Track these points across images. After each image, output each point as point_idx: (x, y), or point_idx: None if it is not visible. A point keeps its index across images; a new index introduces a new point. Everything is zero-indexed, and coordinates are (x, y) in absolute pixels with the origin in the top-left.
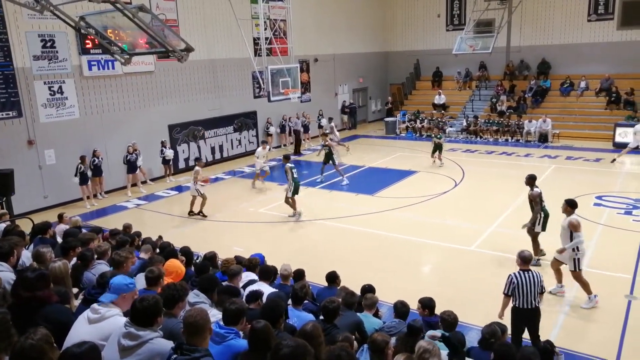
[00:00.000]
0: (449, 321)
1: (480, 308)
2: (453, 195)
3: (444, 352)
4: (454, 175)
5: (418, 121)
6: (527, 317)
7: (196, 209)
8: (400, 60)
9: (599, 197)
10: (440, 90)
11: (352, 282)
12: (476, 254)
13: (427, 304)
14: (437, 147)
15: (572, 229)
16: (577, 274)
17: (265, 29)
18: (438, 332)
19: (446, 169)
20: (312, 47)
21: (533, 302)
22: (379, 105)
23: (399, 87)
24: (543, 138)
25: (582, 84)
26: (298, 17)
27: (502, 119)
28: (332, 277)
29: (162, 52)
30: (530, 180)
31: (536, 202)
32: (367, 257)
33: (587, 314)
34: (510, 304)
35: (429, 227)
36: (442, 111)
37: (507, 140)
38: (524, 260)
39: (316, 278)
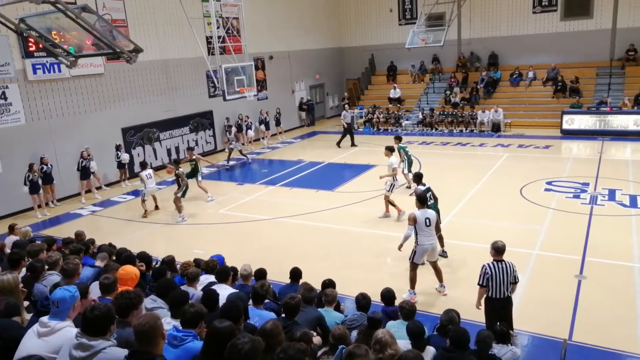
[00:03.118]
0: (408, 309)
1: (440, 297)
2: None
3: (406, 341)
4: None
5: (375, 116)
6: (500, 306)
7: (151, 207)
8: (355, 56)
9: (549, 183)
10: (395, 85)
11: (315, 279)
12: None
13: (386, 295)
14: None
15: (408, 222)
16: (411, 265)
17: (218, 28)
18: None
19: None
20: (266, 44)
21: (506, 292)
22: (336, 101)
23: (355, 82)
24: (496, 128)
25: (530, 74)
26: (251, 14)
27: (456, 111)
28: (296, 274)
29: (109, 54)
30: (416, 178)
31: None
32: (329, 253)
33: (539, 295)
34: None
35: (388, 219)
36: (398, 105)
37: (461, 131)
38: (498, 251)
39: (278, 276)
